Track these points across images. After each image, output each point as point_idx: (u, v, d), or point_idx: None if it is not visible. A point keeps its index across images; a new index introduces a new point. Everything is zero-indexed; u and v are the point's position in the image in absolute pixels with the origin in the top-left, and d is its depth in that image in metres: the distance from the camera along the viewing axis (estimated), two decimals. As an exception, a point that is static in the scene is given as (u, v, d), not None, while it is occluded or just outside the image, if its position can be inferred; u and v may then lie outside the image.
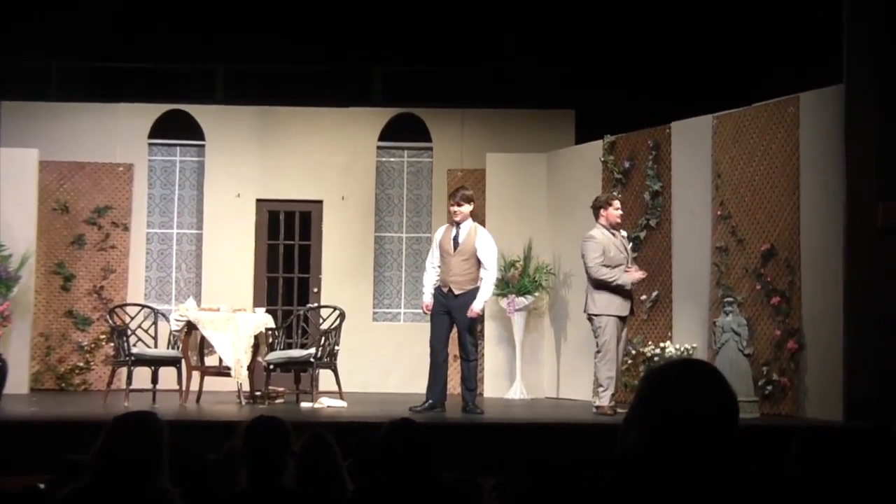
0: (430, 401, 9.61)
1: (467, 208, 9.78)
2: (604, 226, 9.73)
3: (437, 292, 9.75)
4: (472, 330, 9.75)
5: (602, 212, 9.75)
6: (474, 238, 9.72)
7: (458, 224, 9.79)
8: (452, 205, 9.82)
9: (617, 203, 9.83)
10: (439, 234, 10.01)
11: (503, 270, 11.89)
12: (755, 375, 9.54)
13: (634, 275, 9.60)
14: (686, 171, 10.71)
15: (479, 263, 9.68)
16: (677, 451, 2.21)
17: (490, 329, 12.29)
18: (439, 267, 9.79)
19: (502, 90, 12.96)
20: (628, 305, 9.64)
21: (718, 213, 10.29)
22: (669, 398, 2.26)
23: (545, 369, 12.16)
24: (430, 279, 9.83)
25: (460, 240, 9.74)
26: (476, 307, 9.64)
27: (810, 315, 9.41)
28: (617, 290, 9.59)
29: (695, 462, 2.21)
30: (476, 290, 9.64)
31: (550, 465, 3.60)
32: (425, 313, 10.04)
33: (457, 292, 9.67)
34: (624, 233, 9.96)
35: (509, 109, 12.92)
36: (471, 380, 9.74)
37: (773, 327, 9.68)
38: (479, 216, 12.40)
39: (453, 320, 9.70)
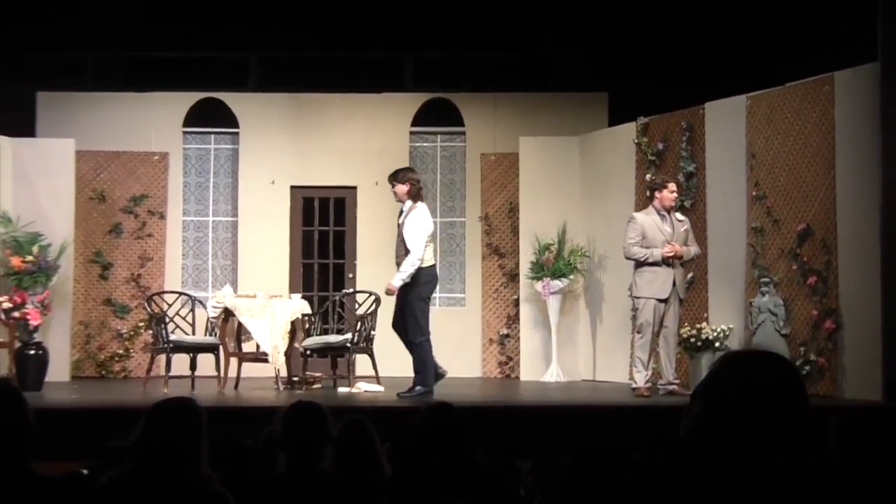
0: (418, 386, 9.47)
1: (400, 188, 9.64)
2: (656, 208, 9.81)
3: None
4: (409, 311, 9.54)
5: (657, 194, 9.89)
6: (406, 218, 9.63)
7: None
8: None
9: (672, 186, 9.90)
10: None
11: (539, 253, 11.89)
12: (792, 356, 9.48)
13: (662, 250, 9.59)
14: (720, 152, 10.66)
15: None
16: (734, 427, 2.26)
17: (525, 312, 12.30)
18: None
19: (535, 74, 12.93)
20: (668, 287, 9.63)
21: (753, 193, 10.24)
22: (736, 377, 2.32)
23: (581, 352, 12.15)
24: None
25: (400, 220, 9.68)
26: (392, 282, 9.51)
27: (847, 295, 9.34)
28: (656, 271, 9.61)
29: (751, 440, 2.25)
30: (419, 270, 9.49)
31: (592, 448, 3.61)
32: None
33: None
34: (679, 216, 9.96)
35: (542, 93, 12.89)
36: (417, 363, 9.53)
37: (810, 307, 9.63)
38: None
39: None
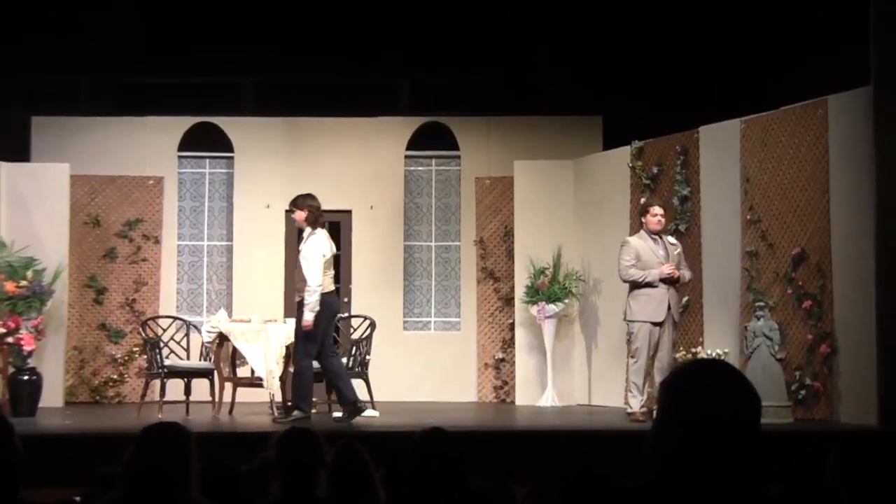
0: (295, 411, 9.43)
1: (299, 214, 9.64)
2: (646, 231, 9.81)
3: None
4: (299, 335, 9.54)
5: (642, 218, 9.92)
6: (304, 245, 9.65)
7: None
8: None
9: (654, 209, 9.89)
10: None
11: (534, 277, 11.88)
12: (788, 380, 9.49)
13: (661, 269, 9.61)
14: (715, 176, 10.68)
15: None
16: (704, 457, 2.20)
17: (520, 336, 12.29)
18: None
19: (529, 98, 12.96)
20: (663, 310, 9.63)
21: (748, 217, 10.25)
22: (687, 405, 2.24)
23: (576, 376, 12.13)
24: None
25: (300, 247, 9.70)
26: (305, 319, 9.44)
27: (843, 319, 9.35)
28: (651, 294, 9.62)
29: (723, 465, 2.20)
30: None
31: (585, 473, 3.60)
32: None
33: (297, 299, 9.66)
34: (672, 239, 9.96)
35: (536, 117, 12.91)
36: (294, 387, 9.56)
37: (806, 331, 9.63)
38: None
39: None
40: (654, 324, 9.64)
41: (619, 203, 11.67)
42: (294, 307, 9.96)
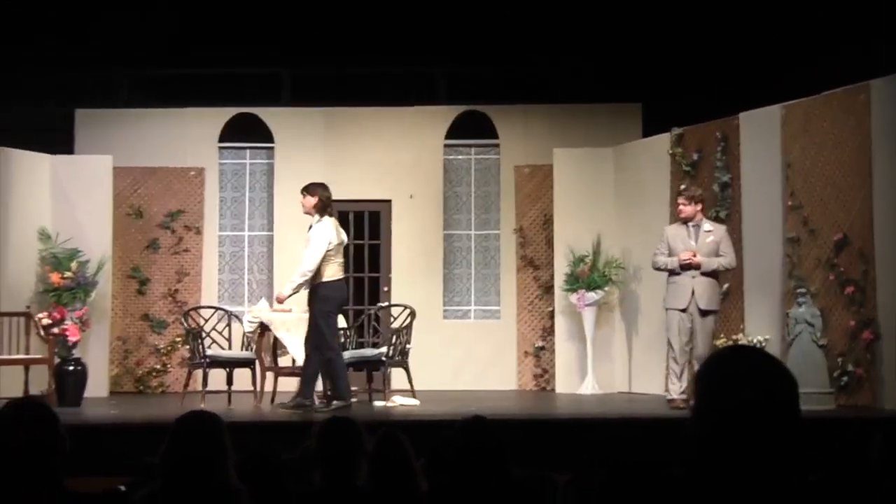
0: (334, 401, 9.51)
1: (308, 200, 9.69)
2: (681, 219, 9.88)
3: None
4: (317, 324, 9.58)
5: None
6: (310, 231, 9.70)
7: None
8: None
9: (680, 198, 10.07)
10: None
11: (574, 265, 11.86)
12: (830, 366, 9.43)
13: (679, 256, 9.64)
14: (755, 162, 10.61)
15: None
16: (739, 444, 2.20)
17: (560, 324, 12.28)
18: None
19: (567, 85, 12.91)
20: (686, 297, 9.66)
21: (789, 203, 10.18)
22: (722, 392, 2.25)
23: (617, 364, 12.11)
24: None
25: (308, 234, 9.75)
26: (282, 290, 9.78)
27: (886, 304, 9.26)
28: (677, 282, 9.75)
29: (759, 451, 2.20)
30: (320, 284, 9.56)
31: (627, 461, 3.59)
32: None
33: (307, 289, 9.73)
34: (708, 226, 9.90)
35: (575, 104, 12.86)
36: (330, 378, 9.62)
37: (848, 318, 9.56)
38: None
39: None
40: (681, 310, 9.70)
41: (659, 190, 11.62)
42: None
